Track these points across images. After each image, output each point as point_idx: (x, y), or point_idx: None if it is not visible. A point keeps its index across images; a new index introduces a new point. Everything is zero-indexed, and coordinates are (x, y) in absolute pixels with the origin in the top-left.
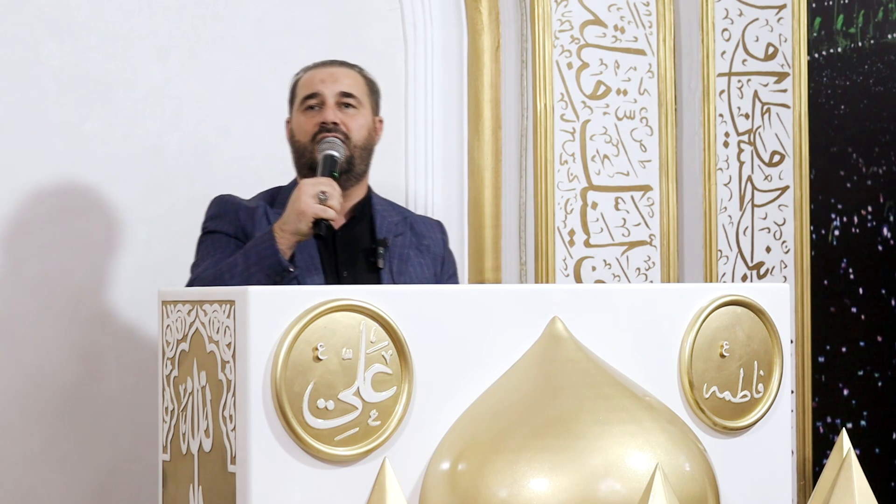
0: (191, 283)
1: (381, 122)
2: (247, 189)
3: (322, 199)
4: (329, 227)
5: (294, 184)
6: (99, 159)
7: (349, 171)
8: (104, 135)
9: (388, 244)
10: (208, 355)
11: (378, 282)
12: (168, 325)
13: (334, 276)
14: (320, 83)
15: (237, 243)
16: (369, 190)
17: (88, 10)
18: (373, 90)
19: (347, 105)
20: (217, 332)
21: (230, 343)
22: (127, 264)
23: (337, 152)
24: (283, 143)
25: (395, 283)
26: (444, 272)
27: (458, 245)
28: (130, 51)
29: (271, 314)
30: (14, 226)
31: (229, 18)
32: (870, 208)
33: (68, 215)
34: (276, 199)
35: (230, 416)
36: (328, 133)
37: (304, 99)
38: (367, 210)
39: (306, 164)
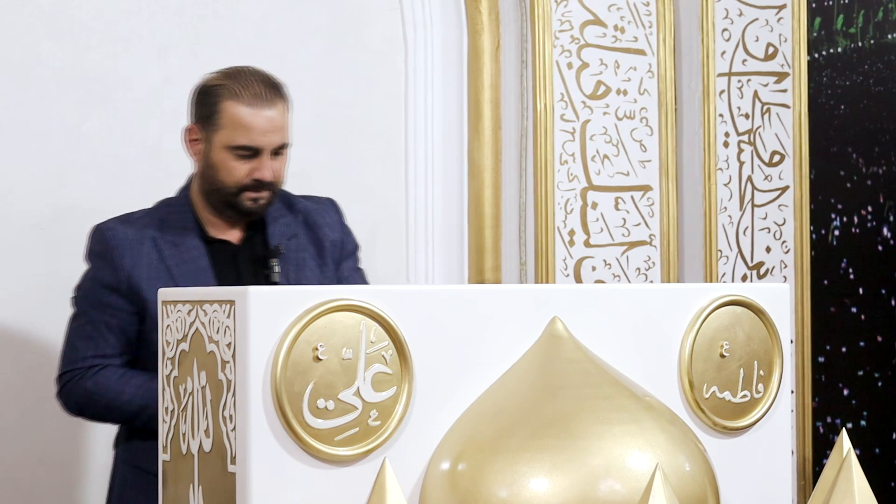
0: (84, 367)
1: None
2: None
3: None
4: None
5: (184, 198)
6: (99, 159)
7: (264, 211)
8: (104, 135)
9: (282, 251)
10: (208, 355)
11: None
12: (168, 325)
13: None
14: (261, 135)
15: (119, 299)
16: None
17: (88, 10)
18: (290, 112)
19: (279, 152)
20: (217, 332)
21: (230, 343)
22: None
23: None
24: None
25: None
26: (343, 253)
27: (458, 245)
28: (130, 51)
29: (271, 314)
30: (14, 226)
31: (229, 18)
32: (870, 208)
33: (68, 215)
34: (166, 222)
35: (230, 416)
36: (262, 190)
37: (238, 147)
38: (261, 218)
39: (223, 202)
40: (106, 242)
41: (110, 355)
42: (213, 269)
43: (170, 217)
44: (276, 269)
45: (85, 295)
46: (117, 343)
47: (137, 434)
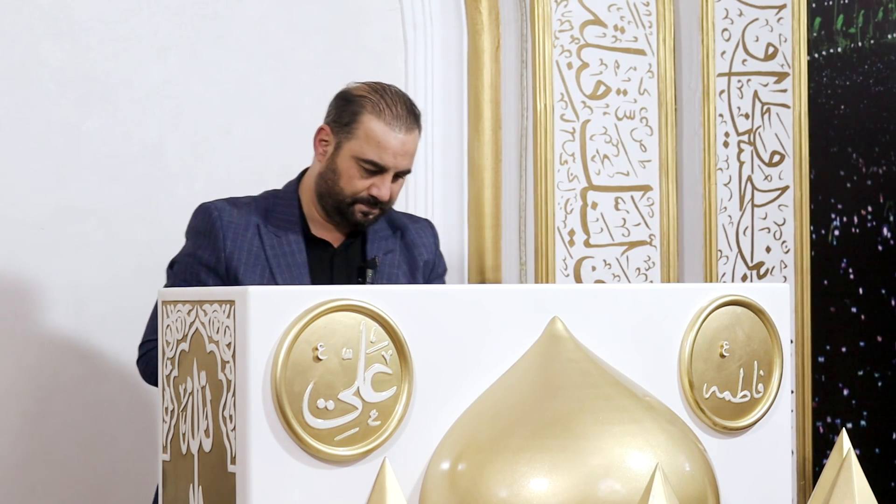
0: (146, 347)
1: None
2: (247, 190)
3: None
4: None
5: (293, 193)
6: (99, 159)
7: (369, 226)
8: (104, 135)
9: (378, 264)
10: (208, 355)
11: None
12: (168, 325)
13: None
14: (392, 157)
15: (213, 279)
16: None
17: (88, 10)
18: (420, 138)
19: (400, 176)
20: (217, 332)
21: (230, 343)
22: (127, 264)
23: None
24: (283, 144)
25: None
26: (432, 276)
27: (458, 245)
28: (130, 51)
29: (271, 314)
30: (14, 226)
31: (229, 18)
32: (870, 208)
33: (68, 215)
34: (271, 213)
35: (230, 416)
36: (375, 207)
37: (368, 161)
38: (360, 227)
39: (334, 208)
40: (212, 221)
41: None
42: (309, 266)
43: (276, 208)
44: (370, 280)
45: (181, 269)
46: None
47: None
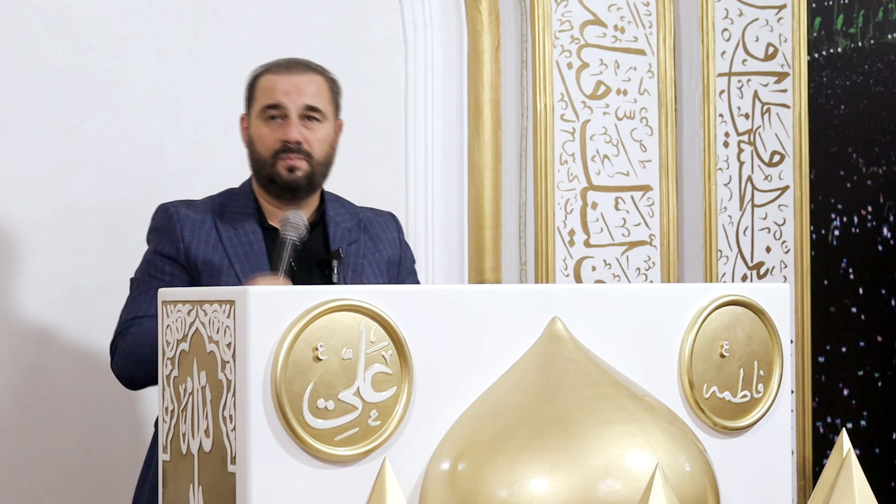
0: (119, 332)
1: (341, 125)
2: None
3: None
4: None
5: (247, 187)
6: (99, 159)
7: (309, 190)
8: (104, 135)
9: (342, 255)
10: (208, 355)
11: None
12: (168, 325)
13: None
14: (284, 95)
15: (176, 268)
16: (323, 195)
17: (88, 10)
18: (335, 92)
19: (310, 118)
20: (217, 332)
21: (230, 343)
22: (127, 264)
23: (298, 236)
24: None
25: None
26: (401, 271)
27: (458, 245)
28: (130, 51)
29: (271, 314)
30: (14, 226)
31: (229, 18)
32: (870, 208)
33: (68, 215)
34: (227, 207)
35: (230, 416)
36: (291, 154)
37: (265, 108)
38: (321, 218)
39: (266, 177)
40: (168, 217)
41: (151, 315)
42: (268, 255)
43: (231, 203)
44: (338, 269)
45: (145, 266)
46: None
47: None
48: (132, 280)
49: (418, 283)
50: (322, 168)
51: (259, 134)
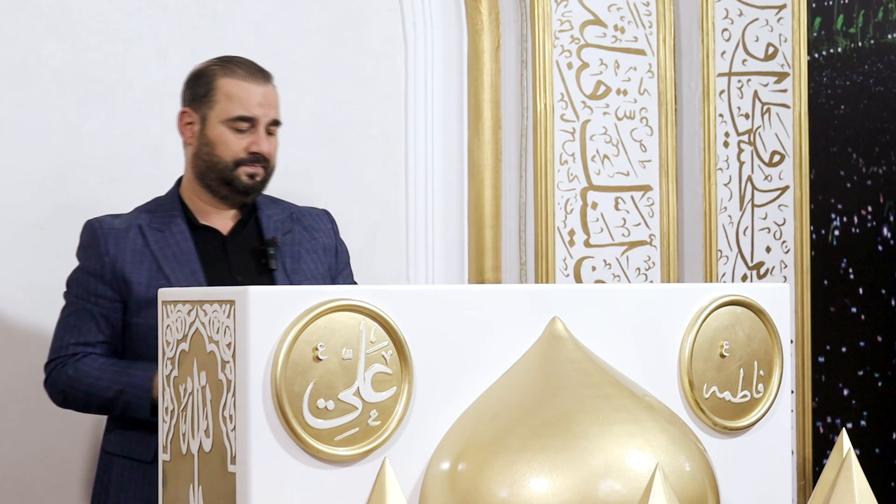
0: (57, 357)
1: None
2: None
3: None
4: None
5: (173, 191)
6: (99, 159)
7: (258, 194)
8: (104, 135)
9: (278, 243)
10: (208, 355)
11: (272, 282)
12: (168, 325)
13: (230, 281)
14: (258, 107)
15: (102, 286)
16: None
17: (88, 10)
18: (278, 97)
19: (271, 131)
20: (217, 332)
21: (230, 343)
22: None
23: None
24: (283, 144)
25: (290, 282)
26: (338, 262)
27: (458, 245)
28: (130, 51)
29: (271, 314)
30: (14, 226)
31: (229, 18)
32: (870, 208)
33: (68, 215)
34: (153, 214)
35: (230, 416)
36: (256, 163)
37: (237, 118)
38: (251, 211)
39: (220, 180)
40: (92, 231)
41: (93, 343)
42: (198, 254)
43: (157, 209)
44: (274, 256)
45: (73, 285)
46: (99, 331)
47: (132, 424)
48: (65, 297)
49: (354, 281)
50: (271, 175)
51: (223, 140)
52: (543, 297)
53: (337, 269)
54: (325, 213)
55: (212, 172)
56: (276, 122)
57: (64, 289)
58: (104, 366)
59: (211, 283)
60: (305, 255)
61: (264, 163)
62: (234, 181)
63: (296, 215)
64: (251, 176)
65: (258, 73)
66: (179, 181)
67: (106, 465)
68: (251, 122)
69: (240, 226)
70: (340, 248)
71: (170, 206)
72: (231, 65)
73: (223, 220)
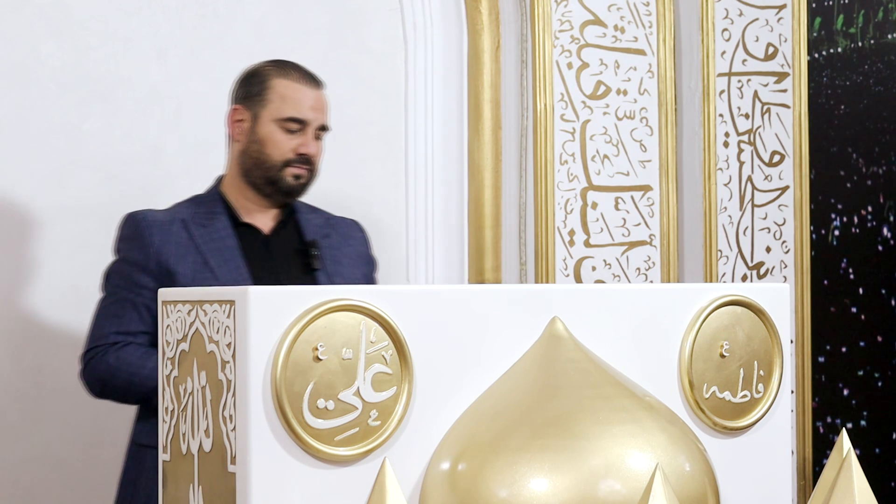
0: (100, 345)
1: None
2: None
3: None
4: None
5: (214, 189)
6: (99, 159)
7: (301, 196)
8: (104, 135)
9: (319, 245)
10: (208, 355)
11: (314, 283)
12: (168, 325)
13: (274, 280)
14: (311, 111)
15: (145, 277)
16: None
17: (88, 10)
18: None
19: (319, 136)
20: (217, 332)
21: (230, 343)
22: None
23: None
24: None
25: (331, 282)
26: (371, 271)
27: (458, 245)
28: (130, 51)
29: (271, 314)
30: (14, 226)
31: (229, 18)
32: (870, 208)
33: (68, 215)
34: (196, 210)
35: (230, 416)
36: (302, 165)
37: (289, 119)
38: (291, 214)
39: (266, 179)
40: (136, 224)
41: (134, 332)
42: (241, 250)
43: (200, 206)
44: (317, 257)
45: (113, 276)
46: (141, 321)
47: None
48: (104, 286)
49: None
50: (314, 178)
51: (273, 139)
52: (543, 297)
53: (370, 277)
54: (357, 224)
55: (258, 170)
56: (324, 128)
57: (100, 279)
58: (147, 354)
59: (256, 281)
60: (344, 260)
61: (310, 166)
62: (280, 181)
63: (332, 222)
64: (296, 177)
65: (311, 78)
66: (220, 179)
67: (137, 458)
68: (302, 124)
69: (280, 226)
70: (373, 258)
71: (212, 203)
72: (286, 67)
73: (265, 219)
